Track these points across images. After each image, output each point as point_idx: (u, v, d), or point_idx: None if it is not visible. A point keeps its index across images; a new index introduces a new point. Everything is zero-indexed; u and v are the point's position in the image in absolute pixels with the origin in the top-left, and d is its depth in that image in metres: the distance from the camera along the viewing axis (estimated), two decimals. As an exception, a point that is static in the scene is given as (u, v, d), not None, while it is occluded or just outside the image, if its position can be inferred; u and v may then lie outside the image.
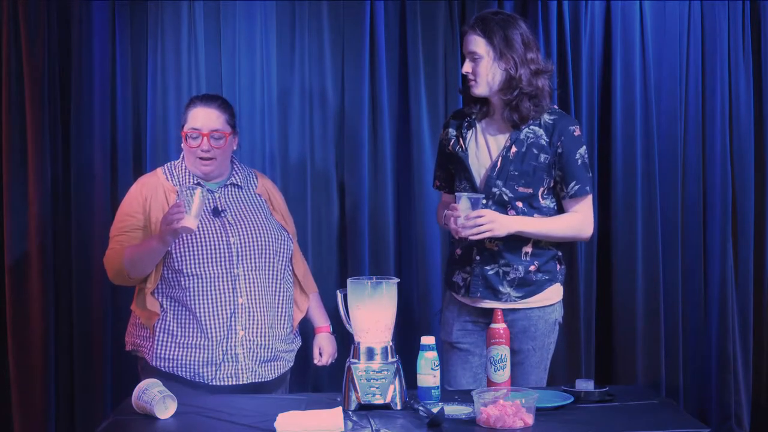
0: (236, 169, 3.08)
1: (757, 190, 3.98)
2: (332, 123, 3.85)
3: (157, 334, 2.92)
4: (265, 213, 3.05)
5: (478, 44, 2.92)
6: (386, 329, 2.56)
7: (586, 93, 3.88)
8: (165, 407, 2.47)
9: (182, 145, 3.01)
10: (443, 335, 3.09)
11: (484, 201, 2.92)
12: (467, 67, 2.95)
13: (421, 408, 2.44)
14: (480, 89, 2.95)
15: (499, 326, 2.67)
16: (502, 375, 2.65)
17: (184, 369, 2.90)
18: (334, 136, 3.85)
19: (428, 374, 2.55)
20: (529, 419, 2.31)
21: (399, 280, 2.62)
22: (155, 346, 2.92)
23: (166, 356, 2.91)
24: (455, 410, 2.46)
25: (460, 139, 3.02)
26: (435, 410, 2.37)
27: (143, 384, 2.52)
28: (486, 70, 2.93)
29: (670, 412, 2.49)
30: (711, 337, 3.98)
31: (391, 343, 2.56)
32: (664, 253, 3.91)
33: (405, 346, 3.47)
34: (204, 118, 2.96)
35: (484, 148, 3.00)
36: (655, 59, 3.91)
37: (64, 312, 3.74)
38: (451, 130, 3.07)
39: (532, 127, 2.96)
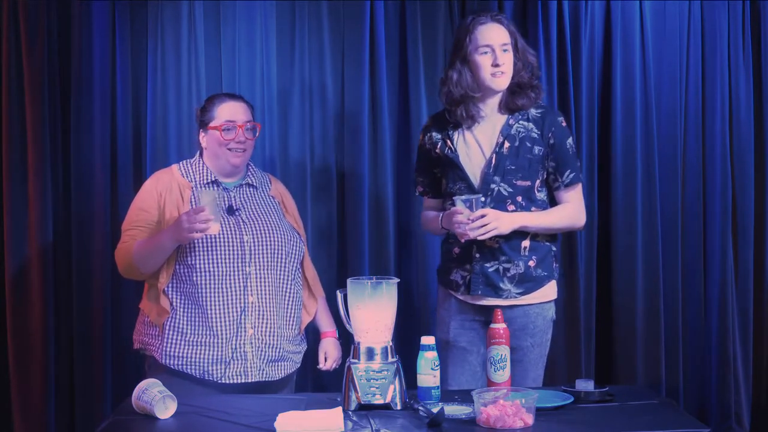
0: (251, 170, 3.12)
1: (757, 190, 3.98)
2: (332, 122, 3.85)
3: (166, 332, 2.93)
4: (279, 214, 3.08)
5: (506, 35, 2.99)
6: (386, 329, 2.56)
7: (586, 93, 3.88)
8: (165, 407, 2.47)
9: (204, 143, 3.04)
10: (440, 334, 3.10)
11: (483, 199, 2.93)
12: (503, 59, 2.97)
13: (421, 408, 2.44)
14: (508, 80, 3.01)
15: (499, 326, 2.67)
16: (502, 375, 2.65)
17: (193, 367, 2.91)
18: (334, 136, 3.85)
19: (428, 374, 2.55)
20: (529, 419, 2.31)
21: (399, 280, 2.62)
22: (165, 344, 2.92)
23: (176, 354, 2.92)
24: (455, 410, 2.46)
25: (448, 141, 3.04)
26: (435, 410, 2.37)
27: (143, 384, 2.52)
28: (511, 62, 3.01)
29: (670, 412, 2.49)
30: (711, 337, 3.98)
31: (391, 343, 2.56)
32: (664, 253, 3.91)
33: (405, 346, 3.47)
34: (236, 110, 3.04)
35: (475, 146, 3.02)
36: (655, 59, 3.91)
37: (64, 312, 3.74)
38: (434, 134, 3.10)
39: (521, 122, 3.01)
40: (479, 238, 2.87)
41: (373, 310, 2.55)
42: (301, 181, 3.80)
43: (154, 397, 2.46)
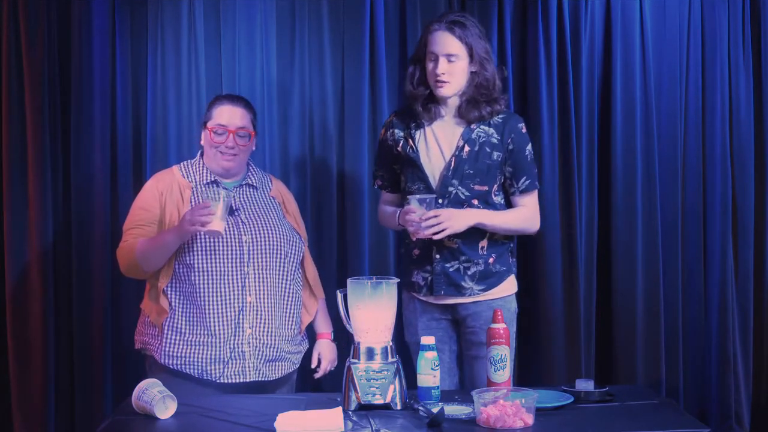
0: (252, 170, 3.13)
1: (757, 190, 3.97)
2: (332, 123, 3.85)
3: (165, 331, 2.94)
4: (279, 214, 3.08)
5: (455, 45, 2.98)
6: (386, 329, 2.56)
7: (586, 93, 3.88)
8: (165, 407, 2.47)
9: (202, 141, 3.07)
10: (408, 336, 3.14)
11: (440, 201, 2.96)
12: (444, 68, 2.98)
13: (421, 408, 2.44)
14: (451, 90, 3.02)
15: (499, 326, 2.67)
16: (502, 375, 2.65)
17: (191, 366, 2.92)
18: (334, 136, 3.85)
19: (428, 374, 2.56)
20: (529, 419, 2.31)
21: (399, 280, 2.63)
22: (164, 344, 2.93)
23: (175, 354, 2.92)
24: (455, 410, 2.47)
25: (410, 140, 3.06)
26: (435, 410, 2.37)
27: (143, 384, 2.52)
28: (460, 72, 3.01)
29: (670, 412, 2.49)
30: (711, 337, 3.97)
31: (391, 343, 2.57)
32: (664, 253, 3.91)
33: (405, 346, 3.47)
34: (231, 115, 3.03)
35: (435, 148, 3.05)
36: (655, 59, 3.91)
37: (64, 312, 3.74)
38: (397, 131, 3.12)
39: (482, 126, 3.04)
40: (434, 237, 2.91)
41: (373, 310, 2.55)
42: (301, 181, 3.80)
43: (154, 397, 2.46)
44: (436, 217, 2.88)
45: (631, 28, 3.88)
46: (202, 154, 3.10)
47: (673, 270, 3.92)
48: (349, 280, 2.59)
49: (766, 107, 3.98)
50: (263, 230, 2.99)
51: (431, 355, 2.56)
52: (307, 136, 3.83)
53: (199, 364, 2.91)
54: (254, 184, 3.10)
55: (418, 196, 2.93)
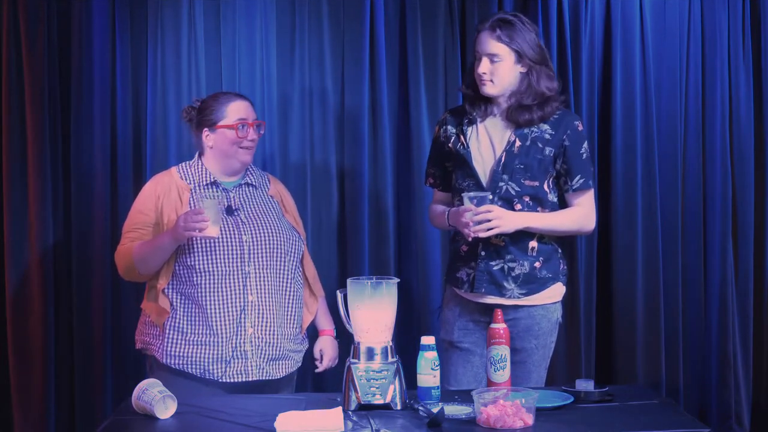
0: (251, 170, 3.13)
1: (757, 190, 3.97)
2: (332, 123, 3.84)
3: (167, 332, 2.94)
4: (278, 213, 3.09)
5: (498, 46, 2.95)
6: (386, 329, 2.56)
7: (586, 93, 3.88)
8: (165, 407, 2.47)
9: (212, 143, 3.03)
10: (443, 334, 3.09)
11: (491, 197, 2.93)
12: (485, 68, 2.96)
13: (421, 408, 2.44)
14: (495, 90, 2.98)
15: (500, 326, 2.67)
16: (502, 375, 2.65)
17: (194, 366, 2.92)
18: (334, 136, 3.85)
19: (428, 374, 2.55)
20: (529, 419, 2.31)
21: (399, 280, 2.62)
22: (165, 344, 2.94)
23: (177, 353, 2.93)
24: (455, 410, 2.46)
25: (461, 137, 3.04)
26: (435, 410, 2.37)
27: (143, 384, 2.52)
28: (505, 73, 2.96)
29: (670, 412, 2.49)
30: (711, 337, 3.98)
31: (391, 343, 2.56)
32: (664, 253, 3.91)
33: (405, 346, 3.47)
34: (246, 109, 3.06)
35: (487, 144, 3.02)
36: (655, 59, 3.91)
37: (64, 312, 3.74)
38: (449, 127, 3.09)
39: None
40: (481, 235, 2.87)
41: (373, 310, 2.55)
42: (301, 181, 3.80)
43: (154, 397, 2.46)
44: (488, 212, 2.85)
45: (631, 28, 3.88)
46: (200, 156, 3.09)
47: (673, 270, 3.92)
48: (349, 280, 2.59)
49: (766, 107, 3.98)
50: (263, 229, 3.00)
51: (431, 355, 2.56)
52: (307, 136, 3.83)
53: (202, 363, 2.92)
54: (253, 183, 3.10)
55: (471, 193, 2.89)
